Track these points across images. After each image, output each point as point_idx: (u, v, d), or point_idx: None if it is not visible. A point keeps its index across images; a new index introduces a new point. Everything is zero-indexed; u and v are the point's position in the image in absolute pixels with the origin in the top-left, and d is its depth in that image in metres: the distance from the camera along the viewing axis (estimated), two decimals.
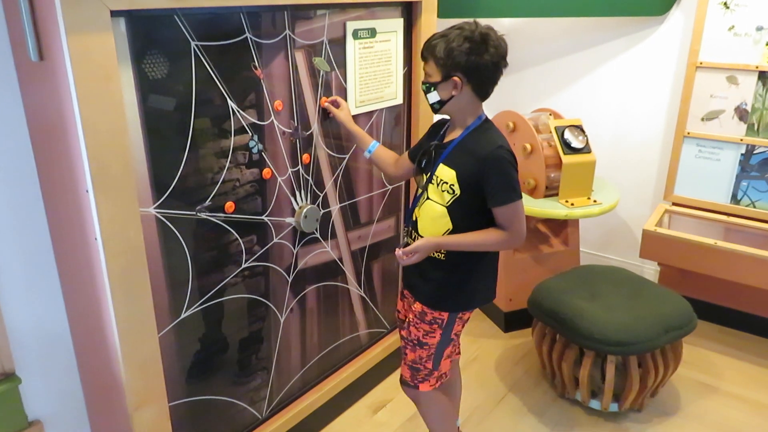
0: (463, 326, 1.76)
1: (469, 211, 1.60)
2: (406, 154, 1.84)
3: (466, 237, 1.60)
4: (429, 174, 1.65)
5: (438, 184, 1.62)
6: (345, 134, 1.96)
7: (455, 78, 1.54)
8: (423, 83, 1.61)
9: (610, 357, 2.19)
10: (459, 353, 1.96)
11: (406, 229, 1.76)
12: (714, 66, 2.71)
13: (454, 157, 1.60)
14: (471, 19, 1.57)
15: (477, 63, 1.52)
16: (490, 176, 1.54)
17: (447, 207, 1.61)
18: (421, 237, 1.66)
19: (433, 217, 1.63)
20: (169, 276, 1.56)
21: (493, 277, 1.74)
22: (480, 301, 1.74)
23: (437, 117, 1.79)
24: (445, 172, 1.60)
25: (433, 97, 1.60)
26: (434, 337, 1.71)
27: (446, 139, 1.66)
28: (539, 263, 2.80)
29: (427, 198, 1.65)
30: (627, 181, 3.16)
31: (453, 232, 1.62)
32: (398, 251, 1.61)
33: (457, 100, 1.58)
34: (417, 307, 1.72)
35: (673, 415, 2.35)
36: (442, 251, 1.64)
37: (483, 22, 1.57)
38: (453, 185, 1.58)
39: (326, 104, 1.87)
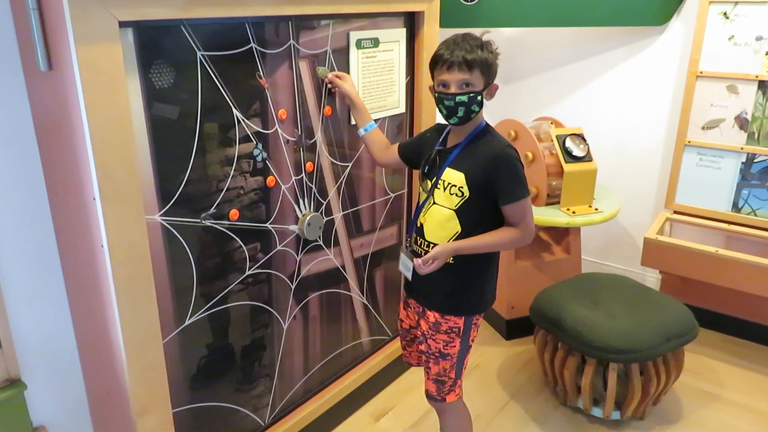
0: (477, 331, 1.77)
1: (477, 213, 1.62)
2: (396, 146, 1.86)
3: (480, 239, 1.62)
4: (434, 179, 1.67)
5: (445, 188, 1.63)
6: (348, 104, 1.94)
7: (496, 84, 1.60)
8: (463, 95, 1.56)
9: (612, 365, 2.19)
10: None
11: (409, 237, 1.77)
12: (714, 75, 2.73)
13: (461, 161, 1.62)
14: (467, 29, 1.62)
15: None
16: (500, 174, 1.57)
17: (455, 210, 1.62)
18: (428, 242, 1.68)
19: (440, 221, 1.65)
20: (174, 283, 1.58)
21: (496, 279, 1.77)
22: (488, 303, 1.76)
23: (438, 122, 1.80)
24: (453, 176, 1.62)
25: (478, 106, 1.60)
26: (454, 346, 1.72)
27: (450, 144, 1.68)
28: (541, 271, 2.81)
29: (434, 203, 1.67)
30: (628, 190, 3.17)
31: (461, 234, 1.63)
32: (417, 261, 1.62)
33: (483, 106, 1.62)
34: (430, 317, 1.73)
35: (675, 423, 2.34)
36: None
37: (480, 31, 1.63)
38: (462, 188, 1.60)
39: (330, 76, 1.87)
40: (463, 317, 1.70)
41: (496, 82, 1.62)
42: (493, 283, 1.76)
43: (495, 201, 1.60)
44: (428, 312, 1.73)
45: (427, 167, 1.71)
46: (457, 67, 1.55)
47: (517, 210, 1.59)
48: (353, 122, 2.00)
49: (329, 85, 1.89)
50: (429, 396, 1.82)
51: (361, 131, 1.91)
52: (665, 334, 2.16)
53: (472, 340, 1.76)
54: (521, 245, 1.68)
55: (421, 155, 1.75)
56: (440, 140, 1.71)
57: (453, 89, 1.56)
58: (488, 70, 1.57)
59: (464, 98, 1.57)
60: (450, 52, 1.55)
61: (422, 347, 1.79)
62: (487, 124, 1.67)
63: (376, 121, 2.09)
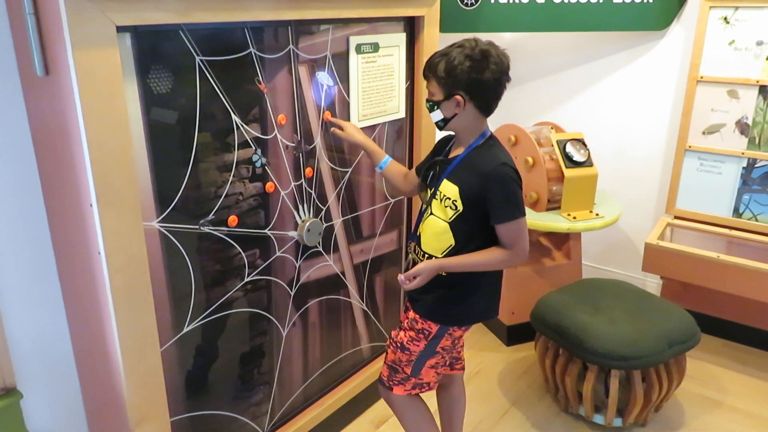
0: (452, 342, 1.75)
1: (471, 228, 1.59)
2: (413, 170, 1.84)
3: (467, 258, 1.59)
4: (433, 189, 1.65)
5: (441, 200, 1.62)
6: (360, 148, 1.92)
7: (457, 96, 1.53)
8: (426, 101, 1.61)
9: (613, 371, 2.18)
10: (463, 368, 1.95)
11: (410, 244, 1.75)
12: (715, 80, 2.72)
13: (457, 173, 1.60)
14: (471, 35, 1.57)
15: (478, 80, 1.51)
16: (492, 193, 1.53)
17: (449, 223, 1.60)
18: (424, 252, 1.67)
19: (435, 233, 1.63)
20: (172, 290, 1.56)
21: (494, 294, 1.73)
22: (476, 318, 1.75)
23: (441, 133, 1.79)
24: (449, 188, 1.60)
25: (437, 115, 1.59)
26: (418, 345, 1.71)
27: (451, 155, 1.67)
28: (541, 276, 2.80)
29: (431, 213, 1.65)
30: (629, 195, 3.16)
31: (455, 248, 1.61)
32: (401, 276, 1.62)
33: (461, 117, 1.57)
34: (411, 314, 1.73)
35: (678, 429, 2.33)
36: None
37: (484, 37, 1.57)
38: (455, 201, 1.58)
39: (333, 130, 1.87)
40: (438, 325, 1.68)
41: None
42: (485, 300, 1.71)
43: (488, 218, 1.57)
44: (411, 310, 1.73)
45: (428, 176, 1.69)
46: (423, 73, 1.61)
47: (508, 231, 1.56)
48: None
49: (337, 134, 1.87)
50: (380, 380, 1.82)
51: (378, 169, 1.87)
52: (667, 341, 2.15)
53: (442, 348, 1.73)
54: (511, 266, 1.65)
55: None
56: (445, 150, 1.70)
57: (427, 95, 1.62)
58: (443, 80, 1.53)
59: (427, 105, 1.61)
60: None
61: (393, 332, 1.80)
62: (490, 136, 1.63)
63: (375, 127, 2.09)
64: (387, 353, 1.81)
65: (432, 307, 1.68)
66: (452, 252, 1.62)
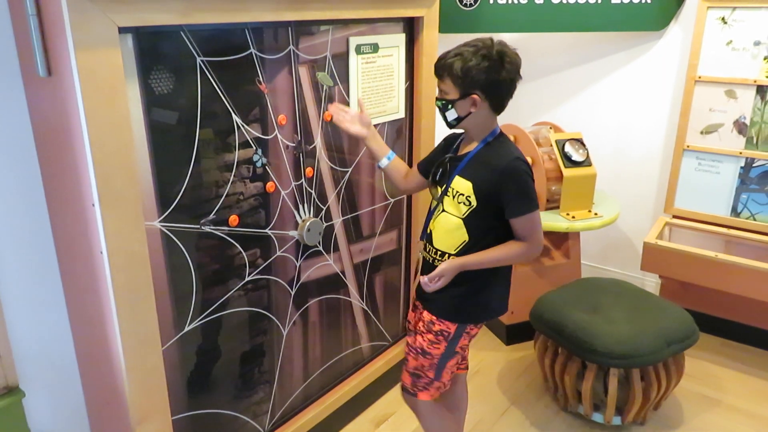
0: (469, 341, 1.76)
1: (485, 223, 1.61)
2: (415, 167, 1.84)
3: (487, 254, 1.61)
4: (444, 186, 1.66)
5: (454, 197, 1.63)
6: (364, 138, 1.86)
7: (474, 96, 1.55)
8: (438, 100, 1.61)
9: (612, 370, 2.19)
10: (467, 368, 1.95)
11: (422, 243, 1.76)
12: (713, 80, 2.73)
13: (470, 169, 1.61)
14: (486, 35, 1.58)
15: (495, 80, 1.54)
16: (507, 187, 1.55)
17: (463, 219, 1.61)
18: (436, 249, 1.67)
19: (448, 230, 1.64)
20: (173, 289, 1.57)
21: (506, 289, 1.75)
22: (490, 314, 1.76)
23: (441, 133, 1.79)
24: (462, 184, 1.61)
25: (451, 114, 1.60)
26: (438, 348, 1.71)
27: (461, 152, 1.68)
28: (540, 276, 2.81)
29: (443, 210, 1.66)
30: (627, 194, 3.17)
31: (469, 243, 1.62)
32: (423, 278, 1.62)
33: (475, 116, 1.59)
34: (426, 316, 1.72)
35: (676, 428, 2.34)
36: None
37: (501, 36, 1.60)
38: (469, 197, 1.59)
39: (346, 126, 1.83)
40: (456, 324, 1.69)
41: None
42: (498, 295, 1.73)
43: (502, 212, 1.58)
44: (425, 311, 1.73)
45: (438, 174, 1.70)
46: (435, 72, 1.60)
47: (524, 224, 1.58)
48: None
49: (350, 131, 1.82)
50: (403, 388, 1.82)
51: (384, 161, 1.82)
52: (666, 339, 2.16)
53: (461, 348, 1.74)
54: (529, 259, 1.67)
55: None
56: (453, 147, 1.71)
57: (437, 94, 1.62)
58: (460, 80, 1.54)
59: (439, 104, 1.61)
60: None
61: (409, 339, 1.80)
62: (500, 133, 1.65)
63: (374, 127, 2.09)
64: (407, 361, 1.79)
65: (448, 306, 1.68)
66: (466, 247, 1.63)
